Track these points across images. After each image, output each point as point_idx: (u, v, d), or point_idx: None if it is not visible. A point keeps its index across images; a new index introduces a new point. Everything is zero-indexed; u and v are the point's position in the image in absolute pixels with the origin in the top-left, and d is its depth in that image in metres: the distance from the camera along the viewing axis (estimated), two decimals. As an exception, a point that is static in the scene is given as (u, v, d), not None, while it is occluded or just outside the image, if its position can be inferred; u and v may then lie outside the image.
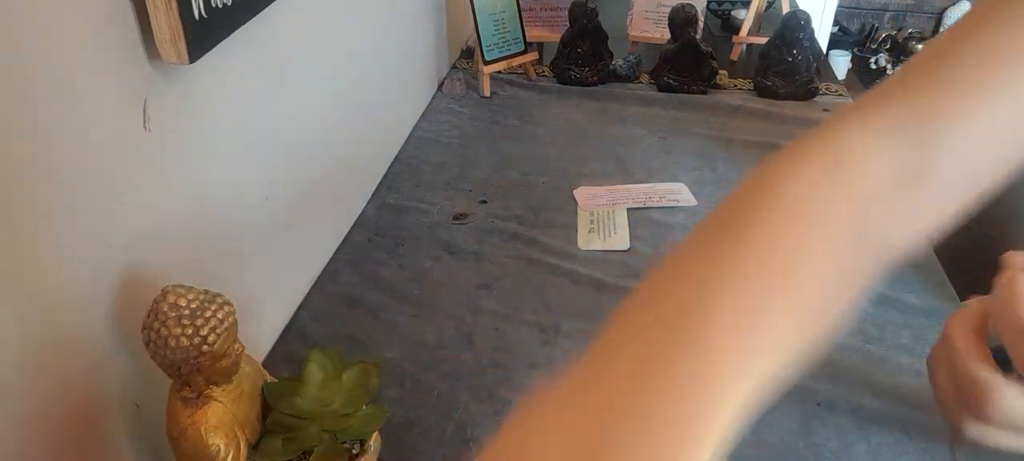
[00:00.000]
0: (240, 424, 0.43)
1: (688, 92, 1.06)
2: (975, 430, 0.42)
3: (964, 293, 0.65)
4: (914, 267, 0.69)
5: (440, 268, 0.71)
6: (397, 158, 0.90)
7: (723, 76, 1.10)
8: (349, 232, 0.77)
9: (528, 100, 1.05)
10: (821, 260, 0.28)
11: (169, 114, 0.45)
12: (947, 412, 0.45)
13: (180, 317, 0.38)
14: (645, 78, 1.10)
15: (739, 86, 1.09)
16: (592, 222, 0.77)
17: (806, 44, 1.02)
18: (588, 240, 0.75)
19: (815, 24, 1.04)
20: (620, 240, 0.75)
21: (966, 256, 0.58)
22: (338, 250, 0.74)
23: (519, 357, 0.61)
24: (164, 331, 0.38)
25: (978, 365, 0.41)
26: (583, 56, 1.08)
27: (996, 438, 0.41)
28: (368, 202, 0.82)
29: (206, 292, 0.40)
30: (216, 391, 0.42)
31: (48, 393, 0.38)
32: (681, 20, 1.04)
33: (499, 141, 0.94)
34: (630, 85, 1.09)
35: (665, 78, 1.06)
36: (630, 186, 0.84)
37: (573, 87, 1.07)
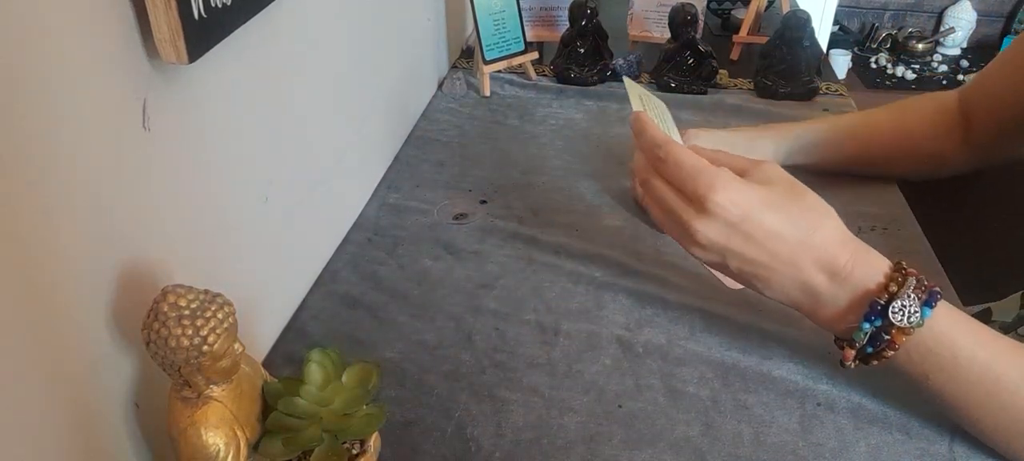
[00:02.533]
0: (240, 424, 0.43)
1: (688, 92, 1.06)
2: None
3: (964, 293, 0.65)
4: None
5: (440, 268, 0.71)
6: (397, 158, 0.90)
7: (723, 76, 1.10)
8: (349, 232, 0.77)
9: (528, 100, 1.05)
10: None
11: (169, 114, 0.45)
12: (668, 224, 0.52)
13: (180, 317, 0.38)
14: (645, 78, 1.10)
15: (739, 86, 1.09)
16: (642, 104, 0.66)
17: (806, 44, 1.01)
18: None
19: (815, 24, 1.04)
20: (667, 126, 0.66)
21: (966, 256, 0.58)
22: (338, 250, 0.74)
23: (519, 357, 0.61)
24: (164, 331, 0.38)
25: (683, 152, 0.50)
26: (583, 56, 1.08)
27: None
28: (368, 202, 0.82)
29: (206, 292, 0.40)
30: (216, 391, 0.42)
31: (48, 393, 0.38)
32: (681, 20, 1.04)
33: (499, 141, 0.94)
34: (630, 85, 1.09)
35: (665, 78, 1.06)
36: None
37: (573, 87, 1.07)
